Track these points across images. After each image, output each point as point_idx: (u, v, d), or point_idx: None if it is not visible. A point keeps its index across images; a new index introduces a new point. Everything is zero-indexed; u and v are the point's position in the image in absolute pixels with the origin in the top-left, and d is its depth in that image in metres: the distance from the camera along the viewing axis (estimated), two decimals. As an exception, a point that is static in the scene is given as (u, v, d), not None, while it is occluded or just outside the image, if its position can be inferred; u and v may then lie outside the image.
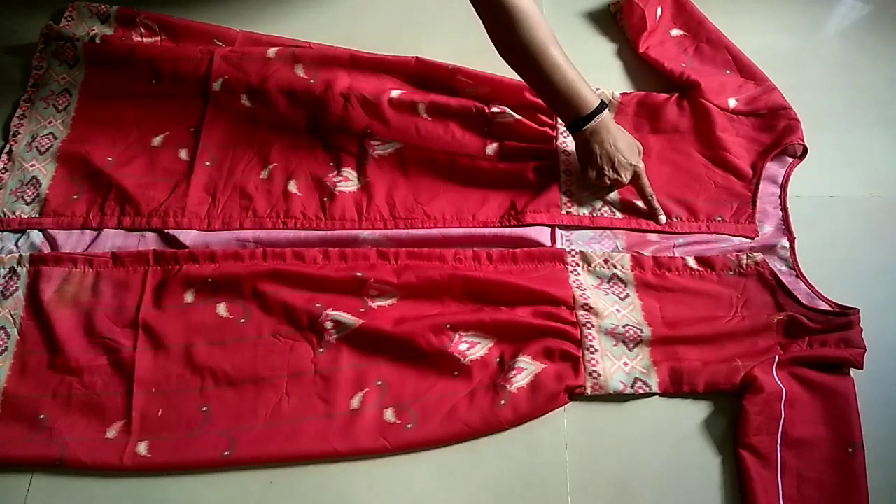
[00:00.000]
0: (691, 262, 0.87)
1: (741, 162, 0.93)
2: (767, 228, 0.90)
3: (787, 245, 0.89)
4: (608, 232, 0.90)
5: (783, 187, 0.93)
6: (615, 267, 0.87)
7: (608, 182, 0.87)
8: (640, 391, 0.79)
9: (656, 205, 0.89)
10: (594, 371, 0.79)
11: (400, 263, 0.86)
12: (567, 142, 0.95)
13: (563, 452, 0.78)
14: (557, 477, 0.77)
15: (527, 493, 0.76)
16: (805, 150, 0.94)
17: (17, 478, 0.76)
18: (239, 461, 0.75)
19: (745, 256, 0.87)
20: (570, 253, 0.87)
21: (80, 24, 1.03)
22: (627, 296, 0.86)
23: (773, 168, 0.94)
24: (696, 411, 0.80)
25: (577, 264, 0.87)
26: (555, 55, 0.80)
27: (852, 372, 0.80)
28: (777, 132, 0.95)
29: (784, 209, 0.91)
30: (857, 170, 0.98)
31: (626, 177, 0.86)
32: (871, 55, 1.08)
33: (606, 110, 0.84)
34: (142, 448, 0.75)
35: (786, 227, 0.90)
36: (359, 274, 0.84)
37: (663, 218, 0.89)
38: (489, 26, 0.81)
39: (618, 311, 0.84)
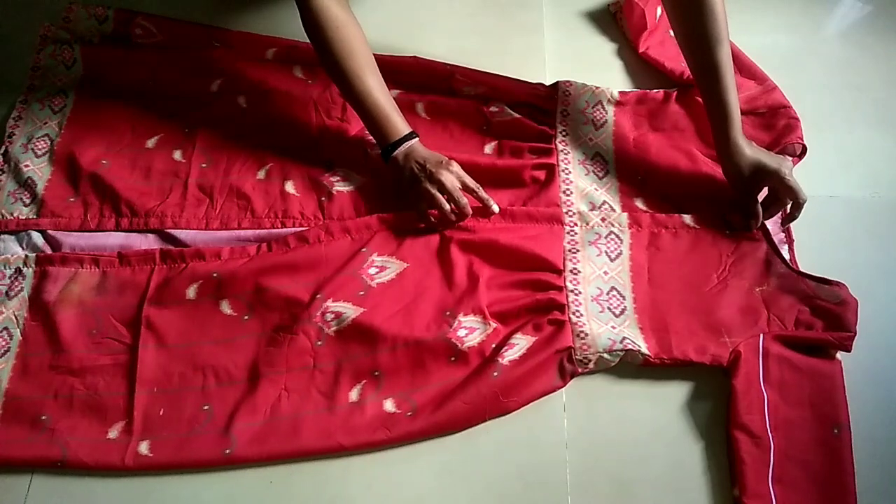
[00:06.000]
0: (688, 220, 0.88)
1: (741, 160, 0.93)
2: (767, 226, 0.90)
3: (786, 242, 0.89)
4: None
5: (782, 185, 0.93)
6: (612, 225, 0.88)
7: (433, 192, 0.83)
8: (630, 347, 0.79)
9: (483, 195, 0.86)
10: (581, 332, 0.80)
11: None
12: (566, 140, 0.95)
13: (563, 452, 0.78)
14: (557, 477, 0.77)
15: (527, 493, 0.76)
16: (804, 149, 0.94)
17: (18, 478, 0.76)
18: (241, 459, 0.75)
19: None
20: (568, 214, 0.89)
21: (78, 26, 1.03)
22: (620, 254, 0.87)
23: (773, 166, 0.94)
24: (696, 411, 0.80)
25: (575, 224, 0.88)
26: (367, 82, 0.84)
27: (844, 357, 0.80)
28: (777, 131, 0.95)
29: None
30: (857, 170, 0.98)
31: (447, 178, 0.84)
32: (871, 55, 1.08)
33: (416, 139, 0.86)
34: (143, 448, 0.75)
35: (784, 226, 0.90)
36: (362, 250, 0.84)
37: (496, 207, 0.86)
38: (315, 49, 0.85)
39: (605, 272, 0.85)
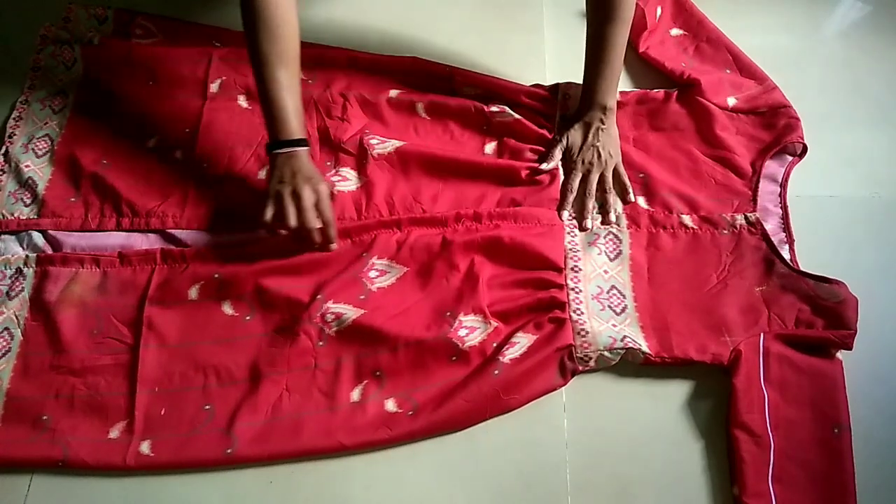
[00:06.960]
0: (687, 221, 0.89)
1: (741, 160, 0.93)
2: (769, 226, 0.90)
3: (787, 242, 0.89)
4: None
5: (783, 185, 0.93)
6: (611, 225, 0.89)
7: (287, 202, 0.79)
8: (630, 345, 0.79)
9: (332, 232, 0.82)
10: (582, 330, 0.80)
11: (403, 230, 0.87)
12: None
13: (563, 452, 0.79)
14: (557, 477, 0.77)
15: (527, 493, 0.76)
16: (805, 149, 0.94)
17: (18, 478, 0.76)
18: (242, 459, 0.75)
19: (740, 216, 0.88)
20: (568, 213, 0.90)
21: (78, 26, 1.03)
22: (620, 253, 0.87)
23: (773, 166, 0.94)
24: (696, 411, 0.81)
25: (576, 226, 0.89)
26: (278, 74, 0.79)
27: (844, 357, 0.80)
28: (777, 130, 0.95)
29: (784, 207, 0.91)
30: (857, 170, 0.98)
31: (306, 195, 0.79)
32: (871, 55, 1.08)
33: (304, 148, 0.81)
34: (145, 447, 0.75)
35: (785, 226, 0.90)
36: (363, 254, 0.84)
37: (334, 246, 0.83)
38: (243, 27, 0.81)
39: (605, 271, 0.86)
